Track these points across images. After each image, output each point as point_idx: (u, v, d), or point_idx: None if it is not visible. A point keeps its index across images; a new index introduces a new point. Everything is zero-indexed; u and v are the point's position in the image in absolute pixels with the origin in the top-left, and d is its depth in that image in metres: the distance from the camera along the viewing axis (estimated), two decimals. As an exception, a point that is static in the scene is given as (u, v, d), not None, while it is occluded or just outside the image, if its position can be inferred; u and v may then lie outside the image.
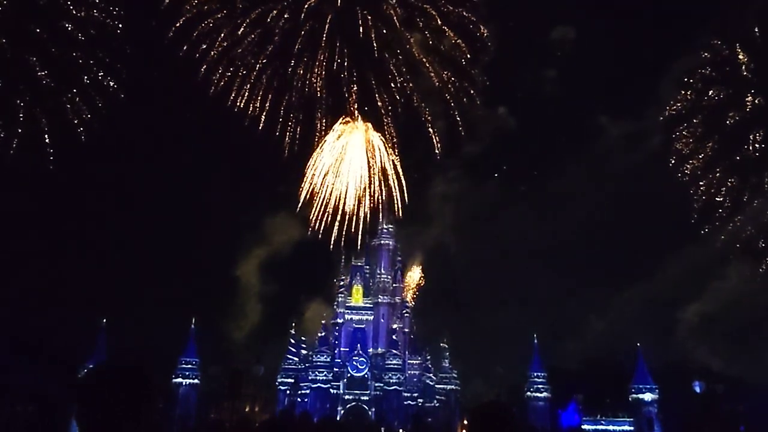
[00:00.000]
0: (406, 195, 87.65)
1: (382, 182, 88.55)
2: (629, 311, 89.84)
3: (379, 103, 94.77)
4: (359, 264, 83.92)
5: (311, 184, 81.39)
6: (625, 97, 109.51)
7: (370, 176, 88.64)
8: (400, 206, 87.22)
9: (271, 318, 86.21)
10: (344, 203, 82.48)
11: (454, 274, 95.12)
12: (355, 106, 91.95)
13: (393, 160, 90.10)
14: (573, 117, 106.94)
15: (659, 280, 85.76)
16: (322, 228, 79.86)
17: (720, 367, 75.48)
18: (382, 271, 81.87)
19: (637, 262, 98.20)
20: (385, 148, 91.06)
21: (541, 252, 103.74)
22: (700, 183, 69.20)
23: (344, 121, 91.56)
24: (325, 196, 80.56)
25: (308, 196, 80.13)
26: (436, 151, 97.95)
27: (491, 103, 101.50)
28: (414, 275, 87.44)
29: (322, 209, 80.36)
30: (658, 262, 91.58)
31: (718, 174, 65.49)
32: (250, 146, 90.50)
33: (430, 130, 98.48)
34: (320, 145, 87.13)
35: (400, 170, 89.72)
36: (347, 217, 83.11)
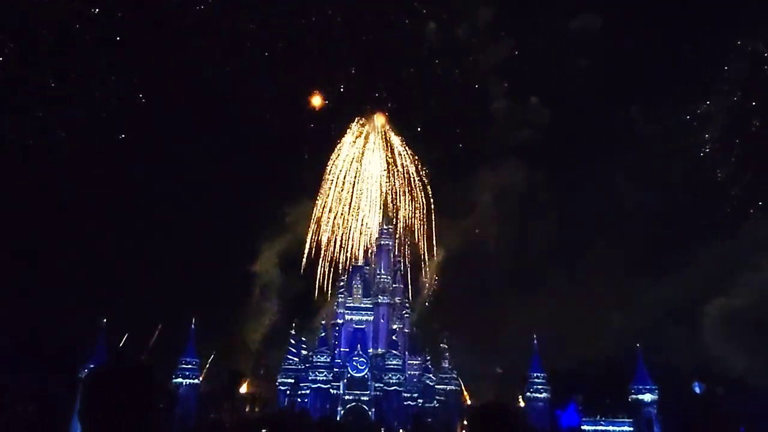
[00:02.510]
0: (431, 195, 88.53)
1: (405, 185, 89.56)
2: (649, 308, 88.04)
3: (395, 104, 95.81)
4: (359, 264, 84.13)
5: (315, 242, 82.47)
6: (659, 90, 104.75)
7: (390, 178, 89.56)
8: (424, 206, 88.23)
9: (289, 315, 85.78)
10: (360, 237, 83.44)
11: (469, 274, 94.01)
12: (373, 105, 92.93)
13: (416, 163, 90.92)
14: (603, 108, 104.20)
15: (678, 277, 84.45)
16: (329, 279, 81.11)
17: (744, 363, 74.48)
18: (382, 272, 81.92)
19: (658, 259, 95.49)
20: (405, 149, 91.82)
21: (559, 248, 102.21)
22: (731, 178, 68.86)
23: (361, 122, 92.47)
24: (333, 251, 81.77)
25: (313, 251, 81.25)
26: (460, 145, 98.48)
27: (523, 94, 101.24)
28: (428, 284, 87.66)
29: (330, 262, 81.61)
30: (680, 258, 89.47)
31: (749, 172, 65.26)
32: (265, 140, 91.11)
33: (454, 125, 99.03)
34: (335, 155, 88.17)
35: (422, 171, 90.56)
36: (366, 243, 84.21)
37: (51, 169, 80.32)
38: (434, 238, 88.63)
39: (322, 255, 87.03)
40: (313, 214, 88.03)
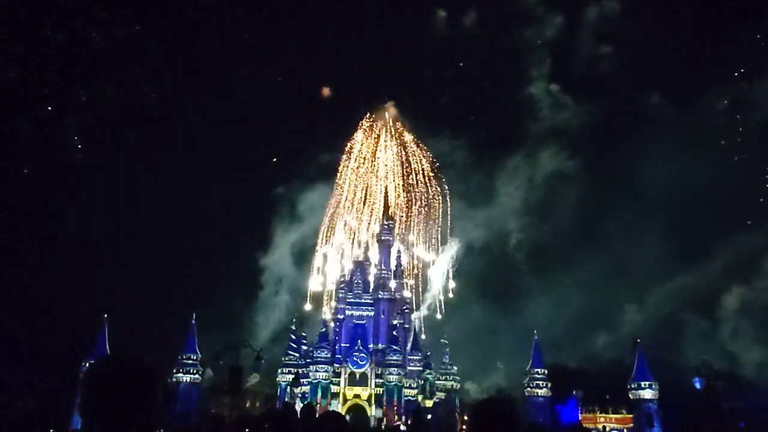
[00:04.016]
0: (445, 185, 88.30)
1: (417, 176, 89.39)
2: (659, 302, 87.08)
3: (408, 92, 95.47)
4: (360, 260, 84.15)
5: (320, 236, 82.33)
6: (680, 78, 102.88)
7: (403, 175, 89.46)
8: (439, 197, 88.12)
9: (291, 310, 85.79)
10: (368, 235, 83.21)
11: (478, 267, 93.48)
12: (385, 94, 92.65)
13: (428, 156, 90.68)
14: (626, 97, 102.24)
15: (692, 272, 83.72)
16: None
17: (759, 357, 73.94)
18: (383, 267, 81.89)
19: (676, 252, 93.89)
20: (417, 145, 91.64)
21: (573, 241, 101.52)
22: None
23: (372, 117, 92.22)
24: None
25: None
26: (481, 136, 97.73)
27: (548, 81, 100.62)
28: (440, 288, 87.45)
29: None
30: (700, 250, 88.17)
31: None
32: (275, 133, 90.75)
33: (475, 113, 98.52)
34: (344, 149, 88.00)
35: (434, 162, 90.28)
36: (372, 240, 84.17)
37: (52, 167, 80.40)
38: (448, 230, 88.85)
39: (325, 249, 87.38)
40: (327, 210, 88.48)
